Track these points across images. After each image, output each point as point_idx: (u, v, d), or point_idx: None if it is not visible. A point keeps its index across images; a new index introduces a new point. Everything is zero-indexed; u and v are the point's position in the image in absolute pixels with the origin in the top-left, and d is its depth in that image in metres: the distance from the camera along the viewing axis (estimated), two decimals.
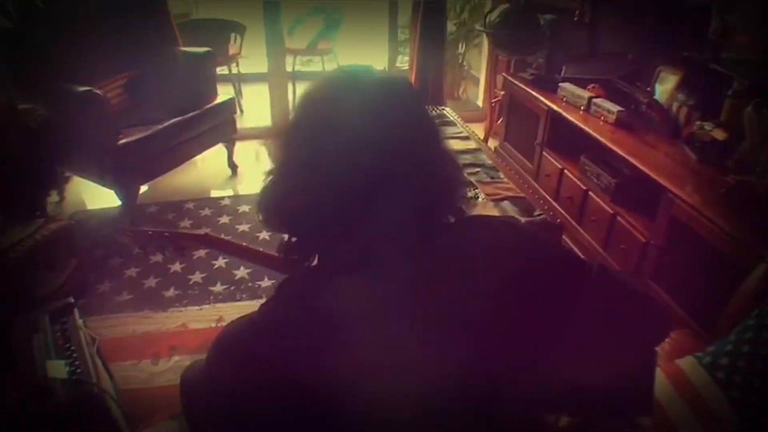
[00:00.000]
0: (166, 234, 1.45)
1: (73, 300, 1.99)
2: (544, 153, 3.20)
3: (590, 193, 2.81)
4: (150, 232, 1.43)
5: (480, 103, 4.41)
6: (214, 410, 0.93)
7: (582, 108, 2.96)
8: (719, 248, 2.09)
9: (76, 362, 1.77)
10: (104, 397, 1.66)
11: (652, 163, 2.49)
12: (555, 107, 3.07)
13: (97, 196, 3.34)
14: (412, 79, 3.78)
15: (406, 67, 4.02)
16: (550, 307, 0.89)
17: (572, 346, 0.89)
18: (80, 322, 1.93)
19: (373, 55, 5.21)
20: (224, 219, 3.20)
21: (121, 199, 2.93)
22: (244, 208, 3.29)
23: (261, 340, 0.82)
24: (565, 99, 3.08)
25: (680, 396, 1.57)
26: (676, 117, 2.69)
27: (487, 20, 3.48)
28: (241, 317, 0.87)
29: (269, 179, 0.93)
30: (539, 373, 0.86)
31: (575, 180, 2.92)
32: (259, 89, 4.87)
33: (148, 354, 2.32)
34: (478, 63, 4.58)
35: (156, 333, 2.42)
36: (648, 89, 2.82)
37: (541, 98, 3.19)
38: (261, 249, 1.43)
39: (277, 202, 0.90)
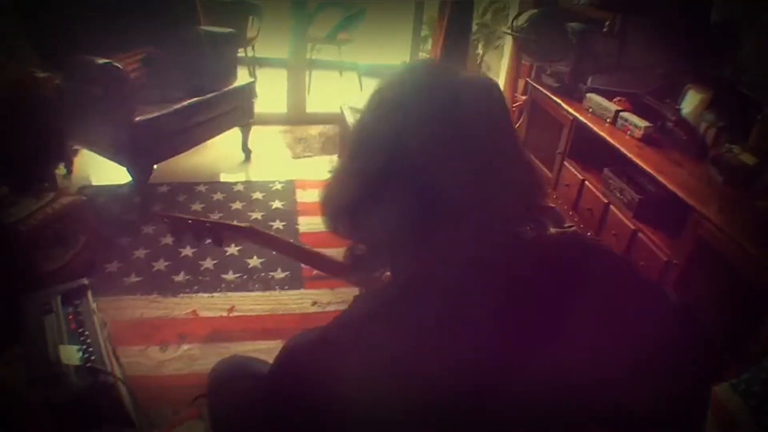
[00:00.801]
0: (208, 224, 1.36)
1: (87, 282, 1.91)
2: (566, 163, 3.13)
3: (612, 207, 2.74)
4: (190, 221, 1.34)
5: None
6: (267, 419, 0.87)
7: (608, 120, 2.89)
8: (745, 272, 2.04)
9: (90, 348, 1.68)
10: (118, 387, 1.57)
11: (678, 181, 2.43)
12: (580, 117, 3.00)
13: (104, 172, 3.23)
14: None
15: None
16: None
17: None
18: (94, 305, 1.85)
19: (393, 48, 5.10)
20: (237, 204, 3.10)
21: (133, 177, 2.83)
22: (258, 195, 3.20)
23: (332, 362, 0.75)
24: (591, 110, 3.01)
25: (716, 422, 1.52)
26: (704, 137, 2.63)
27: (514, 24, 3.40)
28: (312, 331, 0.80)
29: (338, 181, 0.85)
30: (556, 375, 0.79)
31: (596, 192, 2.85)
32: (273, 74, 4.77)
33: (157, 340, 2.23)
34: (497, 66, 4.50)
35: (165, 319, 2.33)
36: (677, 107, 2.76)
37: (566, 107, 3.11)
38: (311, 248, 1.34)
39: (347, 209, 0.82)
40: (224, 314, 2.40)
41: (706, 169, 2.54)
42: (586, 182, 2.96)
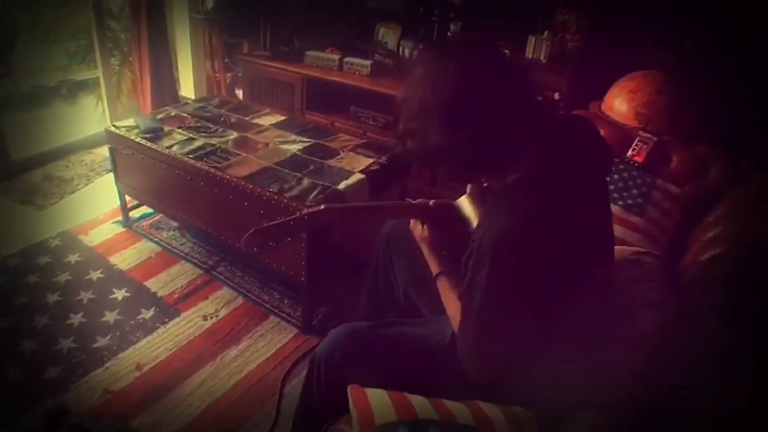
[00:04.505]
0: (291, 223, 1.25)
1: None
2: (307, 114, 3.35)
3: (368, 134, 3.11)
4: (275, 226, 1.23)
5: (189, 93, 4.11)
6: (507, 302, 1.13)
7: (335, 68, 3.21)
8: None
9: None
10: None
11: None
12: (310, 73, 3.23)
13: None
14: (146, 80, 3.33)
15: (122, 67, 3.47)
16: None
17: None
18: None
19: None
20: (33, 277, 2.41)
21: None
22: (44, 259, 2.54)
23: (530, 236, 1.09)
24: (314, 64, 3.26)
25: None
26: (410, 59, 3.20)
27: (203, 7, 3.32)
28: (501, 230, 1.11)
29: (437, 137, 1.13)
30: None
31: (349, 128, 3.18)
32: None
33: None
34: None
35: (83, 410, 1.86)
36: (383, 42, 3.24)
37: (291, 68, 3.29)
38: (392, 202, 1.39)
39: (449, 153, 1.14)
40: (137, 374, 2.04)
41: None
42: (336, 124, 3.26)
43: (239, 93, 3.97)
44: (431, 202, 1.45)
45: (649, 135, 2.24)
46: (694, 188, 2.07)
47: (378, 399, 1.28)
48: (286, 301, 2.41)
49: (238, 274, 2.56)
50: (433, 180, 3.04)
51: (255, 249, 1.23)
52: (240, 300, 2.42)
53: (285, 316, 2.34)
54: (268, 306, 2.39)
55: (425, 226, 1.42)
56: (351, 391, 1.32)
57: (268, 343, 2.21)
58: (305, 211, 1.30)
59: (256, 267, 2.55)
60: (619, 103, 2.49)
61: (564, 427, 1.26)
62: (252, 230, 1.21)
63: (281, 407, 1.94)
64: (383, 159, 2.38)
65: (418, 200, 1.49)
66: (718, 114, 2.52)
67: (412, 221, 1.47)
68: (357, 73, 3.16)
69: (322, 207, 1.32)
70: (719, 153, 2.15)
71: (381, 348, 1.41)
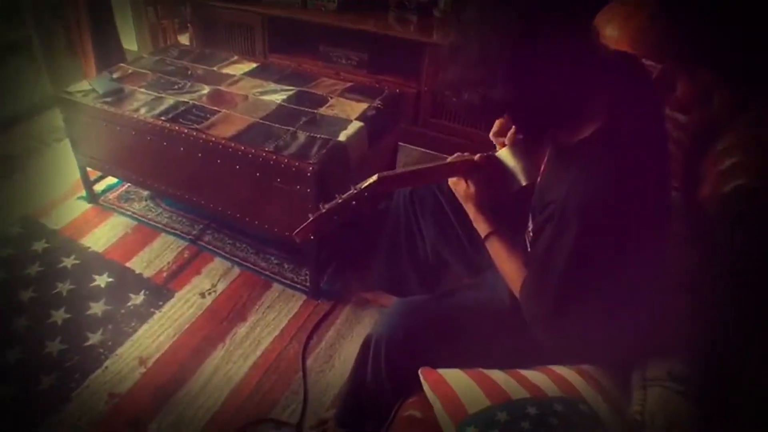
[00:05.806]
0: (353, 202, 1.05)
1: None
2: (270, 58, 2.98)
3: (342, 74, 2.80)
4: (331, 210, 1.03)
5: (131, 46, 3.57)
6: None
7: (297, 5, 2.82)
8: None
9: None
10: None
11: (390, 28, 2.64)
12: (271, 12, 2.83)
13: None
14: (86, 34, 2.82)
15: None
16: None
17: None
18: None
19: None
20: None
21: None
22: (6, 251, 2.19)
23: (622, 195, 0.95)
24: (275, 2, 2.85)
25: None
26: None
27: None
28: (591, 190, 0.96)
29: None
30: None
31: (320, 69, 2.85)
32: None
33: None
34: None
35: (91, 422, 1.63)
36: None
37: (251, 8, 2.87)
38: (439, 162, 1.19)
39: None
40: (143, 370, 1.79)
41: (395, 14, 2.78)
42: (304, 65, 2.92)
43: (182, 39, 3.53)
44: (477, 157, 1.25)
45: (652, 63, 2.07)
46: (699, 116, 1.95)
47: (459, 382, 1.12)
48: (286, 266, 2.18)
49: (228, 242, 2.28)
50: (416, 118, 2.80)
51: (311, 237, 1.01)
52: (236, 270, 2.17)
53: (288, 282, 2.12)
54: (268, 273, 2.15)
55: (470, 183, 1.23)
56: (424, 374, 1.15)
57: (277, 314, 2.00)
58: (360, 185, 1.07)
59: (246, 232, 2.28)
60: (611, 30, 2.31)
61: (636, 378, 1.16)
62: (310, 219, 0.99)
63: (308, 385, 1.76)
64: (377, 103, 2.11)
65: (457, 155, 1.29)
66: (715, 38, 2.38)
67: (453, 179, 1.27)
68: (323, 9, 2.78)
69: (377, 177, 1.09)
70: (720, 79, 2.03)
71: (445, 321, 1.25)
